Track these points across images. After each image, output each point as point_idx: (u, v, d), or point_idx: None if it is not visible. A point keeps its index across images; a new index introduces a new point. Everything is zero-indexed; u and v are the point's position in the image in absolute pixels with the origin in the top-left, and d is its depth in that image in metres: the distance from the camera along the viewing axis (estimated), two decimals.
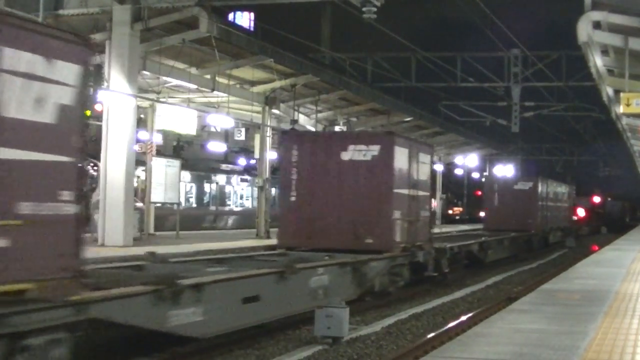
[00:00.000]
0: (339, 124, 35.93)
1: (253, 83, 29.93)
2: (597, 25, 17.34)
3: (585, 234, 60.77)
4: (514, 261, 33.95)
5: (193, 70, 26.65)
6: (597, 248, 36.72)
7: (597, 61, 19.69)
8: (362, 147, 19.07)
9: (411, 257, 20.03)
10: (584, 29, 17.02)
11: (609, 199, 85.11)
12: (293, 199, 19.51)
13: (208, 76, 27.16)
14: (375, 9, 18.52)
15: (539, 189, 41.25)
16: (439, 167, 54.58)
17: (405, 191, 19.85)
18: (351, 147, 19.14)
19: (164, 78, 26.41)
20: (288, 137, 20.72)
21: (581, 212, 79.78)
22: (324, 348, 13.19)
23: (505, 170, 65.09)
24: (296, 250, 18.82)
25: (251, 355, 12.83)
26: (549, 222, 43.89)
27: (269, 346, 13.41)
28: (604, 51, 19.48)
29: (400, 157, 19.62)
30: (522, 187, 40.58)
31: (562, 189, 51.06)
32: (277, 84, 29.49)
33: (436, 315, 17.60)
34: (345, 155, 19.13)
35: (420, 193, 21.08)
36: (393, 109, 38.66)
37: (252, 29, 27.45)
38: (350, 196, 19.08)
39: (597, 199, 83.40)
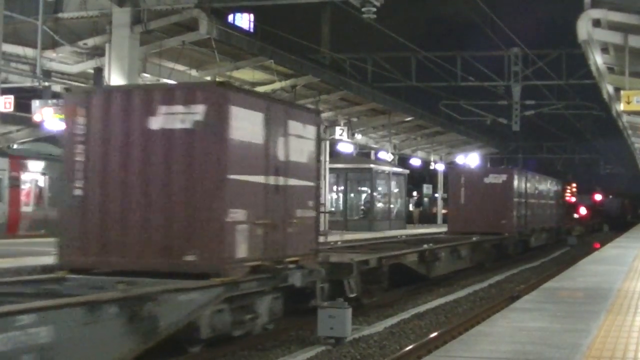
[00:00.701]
0: (339, 124, 35.94)
1: (253, 84, 29.93)
2: (596, 23, 17.36)
3: (580, 234, 54.97)
4: (478, 272, 27.50)
5: (193, 72, 26.67)
6: (598, 245, 36.77)
7: (597, 59, 19.69)
8: (179, 108, 12.46)
9: (276, 281, 13.35)
10: (583, 27, 17.03)
11: (610, 196, 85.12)
12: (78, 192, 12.84)
13: (208, 78, 27.17)
14: (374, 9, 18.52)
15: (515, 183, 34.69)
16: (440, 167, 54.64)
17: (256, 179, 12.96)
18: (163, 109, 12.53)
19: (164, 80, 26.42)
20: (70, 97, 13.36)
21: (583, 210, 79.83)
22: (327, 348, 13.20)
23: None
24: (86, 272, 12.60)
25: (254, 357, 12.84)
26: (530, 223, 37.61)
27: (272, 347, 13.42)
28: (604, 49, 19.49)
29: (245, 125, 12.66)
30: (493, 180, 33.90)
31: (548, 184, 45.45)
32: (278, 85, 29.50)
33: (439, 315, 17.60)
34: (155, 122, 12.52)
35: (295, 182, 14.19)
36: (393, 109, 38.68)
37: (251, 30, 27.44)
38: (161, 186, 12.49)
39: (598, 197, 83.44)
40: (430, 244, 24.30)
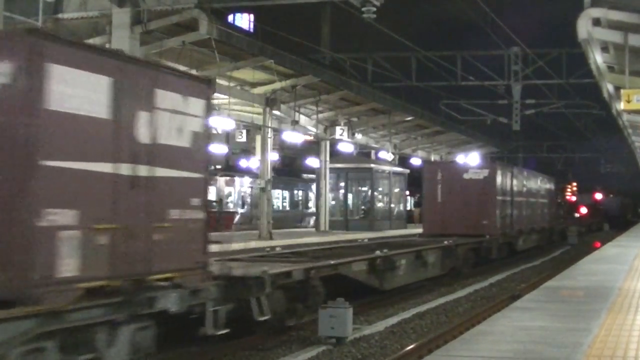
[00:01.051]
0: (339, 124, 35.92)
1: (253, 84, 29.93)
2: (596, 22, 17.35)
3: (577, 234, 50.92)
4: (446, 281, 24.21)
5: (193, 72, 26.65)
6: (599, 244, 36.73)
7: (597, 58, 19.68)
8: None
9: (135, 307, 9.92)
10: (583, 26, 17.02)
11: (611, 195, 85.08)
12: None
13: None
14: (374, 9, 18.52)
15: (499, 179, 31.73)
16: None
17: (97, 167, 9.44)
18: None
19: None
20: None
21: (583, 209, 79.85)
22: (328, 348, 13.21)
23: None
24: None
25: (255, 357, 12.85)
26: (517, 223, 34.26)
27: (274, 347, 13.43)
28: (604, 48, 19.47)
29: (76, 91, 9.15)
30: (474, 176, 30.93)
31: (539, 182, 41.93)
32: (278, 85, 29.49)
33: (439, 314, 17.61)
34: None
35: (169, 173, 10.72)
36: (394, 109, 38.64)
37: (251, 30, 27.44)
38: None
39: (598, 196, 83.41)
40: (385, 250, 20.22)
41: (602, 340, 9.00)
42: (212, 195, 38.33)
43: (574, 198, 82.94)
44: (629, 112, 23.46)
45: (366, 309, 17.55)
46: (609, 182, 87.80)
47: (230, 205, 43.97)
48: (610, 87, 23.55)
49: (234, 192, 45.12)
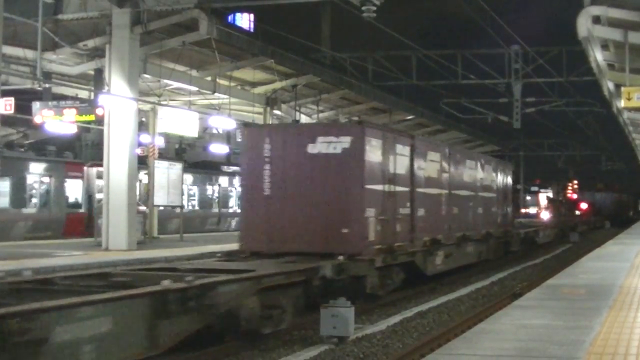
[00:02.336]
0: None
1: (254, 84, 29.95)
2: (596, 20, 17.38)
3: (548, 239, 44.30)
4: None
5: (194, 73, 26.67)
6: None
7: (598, 56, 19.71)
8: None
9: None
10: (583, 24, 17.05)
11: (612, 193, 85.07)
12: None
13: (209, 78, 27.18)
14: (374, 8, 18.53)
15: (374, 154, 18.09)
16: None
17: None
18: None
19: (165, 81, 26.44)
20: None
21: (584, 206, 79.84)
22: (330, 348, 13.21)
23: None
24: None
25: (258, 357, 12.85)
26: (427, 231, 21.33)
27: (275, 347, 13.43)
28: (604, 46, 19.51)
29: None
30: (326, 149, 17.62)
31: (481, 167, 27.96)
32: (278, 84, 29.52)
33: (441, 313, 17.60)
34: None
35: None
36: (394, 108, 38.67)
37: (252, 30, 27.45)
38: None
39: (599, 194, 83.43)
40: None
41: (603, 337, 9.00)
42: (76, 191, 33.10)
43: (575, 196, 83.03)
44: (630, 109, 23.49)
45: (368, 308, 17.55)
46: (610, 179, 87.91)
47: None
48: (610, 85, 23.59)
49: None
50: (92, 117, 22.24)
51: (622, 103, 20.19)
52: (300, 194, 17.74)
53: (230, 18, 26.14)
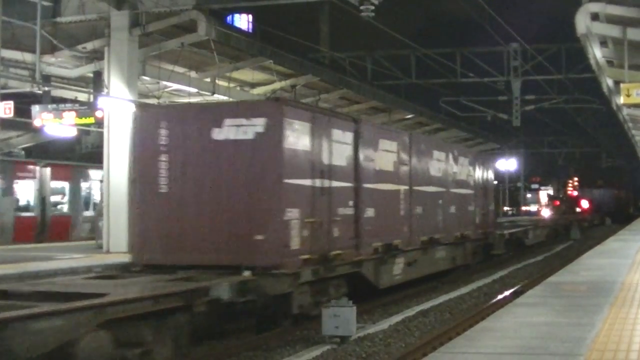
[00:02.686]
0: None
1: (253, 85, 29.95)
2: (595, 16, 17.39)
3: (539, 240, 40.64)
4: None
5: (193, 74, 26.66)
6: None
7: (596, 53, 19.72)
8: None
9: None
10: (582, 21, 17.06)
11: (615, 190, 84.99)
12: None
13: (208, 79, 27.16)
14: (373, 7, 18.52)
15: (298, 139, 14.65)
16: None
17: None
18: None
19: (164, 82, 26.41)
20: None
21: (585, 203, 79.82)
22: (332, 347, 13.22)
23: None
24: None
25: (260, 357, 12.85)
26: (379, 235, 18.03)
27: (277, 347, 13.43)
28: (603, 42, 19.51)
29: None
30: (237, 134, 14.30)
31: (453, 160, 24.56)
32: (277, 85, 29.51)
33: (443, 312, 17.61)
34: None
35: None
36: (394, 107, 38.68)
37: (250, 30, 27.44)
38: None
39: (598, 191, 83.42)
40: None
41: (605, 334, 9.00)
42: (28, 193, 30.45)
43: (575, 193, 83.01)
44: (629, 106, 23.54)
45: (370, 308, 17.55)
46: (610, 176, 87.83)
47: (66, 207, 32.38)
48: (609, 82, 23.60)
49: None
50: (91, 120, 22.23)
51: (621, 100, 20.19)
52: (204, 191, 14.25)
53: (228, 19, 26.15)
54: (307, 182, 14.60)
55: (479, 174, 27.57)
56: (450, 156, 24.30)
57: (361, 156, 17.01)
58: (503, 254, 30.37)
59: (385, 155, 18.64)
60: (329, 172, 15.46)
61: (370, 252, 17.34)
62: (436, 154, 22.83)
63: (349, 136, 16.54)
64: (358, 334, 14.11)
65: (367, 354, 12.95)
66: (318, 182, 15.04)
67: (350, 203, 16.40)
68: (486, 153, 34.08)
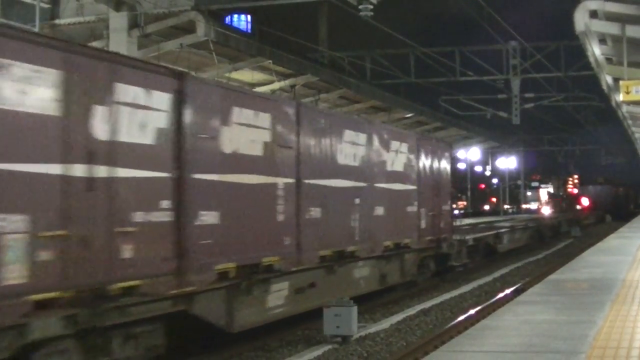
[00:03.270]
0: None
1: (253, 85, 29.92)
2: (593, 14, 17.36)
3: (517, 246, 35.58)
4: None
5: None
6: None
7: (595, 50, 19.69)
8: None
9: None
10: (580, 19, 17.04)
11: (619, 187, 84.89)
12: None
13: None
14: (371, 7, 18.54)
15: (66, 94, 9.31)
16: None
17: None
18: None
19: None
20: None
21: (585, 201, 79.79)
22: (334, 347, 13.22)
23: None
24: None
25: (261, 357, 12.86)
26: (250, 249, 12.99)
27: (279, 347, 13.44)
28: (602, 40, 19.48)
29: None
30: None
31: (380, 143, 18.84)
32: (277, 85, 29.48)
33: (444, 310, 17.62)
34: None
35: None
36: (394, 106, 38.66)
37: (249, 31, 27.45)
38: None
39: (597, 188, 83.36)
40: None
41: (607, 331, 9.00)
42: None
43: (575, 190, 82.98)
44: (629, 103, 23.49)
45: (371, 307, 17.55)
46: (610, 173, 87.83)
47: None
48: (609, 79, 23.56)
49: None
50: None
51: (620, 97, 20.17)
52: None
53: (227, 20, 26.16)
54: (47, 168, 9.07)
55: (427, 164, 21.54)
56: (376, 139, 18.41)
57: (188, 131, 11.53)
58: (467, 265, 25.45)
59: (245, 132, 13.05)
60: (110, 153, 10.05)
61: (210, 279, 11.82)
62: (349, 134, 16.92)
63: (162, 99, 11.09)
64: (359, 333, 14.11)
65: (369, 353, 12.95)
66: (79, 170, 9.53)
67: (165, 204, 10.98)
68: (438, 138, 27.12)
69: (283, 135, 14.28)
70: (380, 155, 18.52)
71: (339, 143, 16.46)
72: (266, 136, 13.68)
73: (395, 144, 19.37)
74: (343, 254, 16.29)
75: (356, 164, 17.15)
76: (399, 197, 19.32)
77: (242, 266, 12.52)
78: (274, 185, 13.87)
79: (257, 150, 13.37)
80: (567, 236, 46.90)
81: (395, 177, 19.17)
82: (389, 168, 18.81)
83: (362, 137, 17.55)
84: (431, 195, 21.68)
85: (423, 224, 20.86)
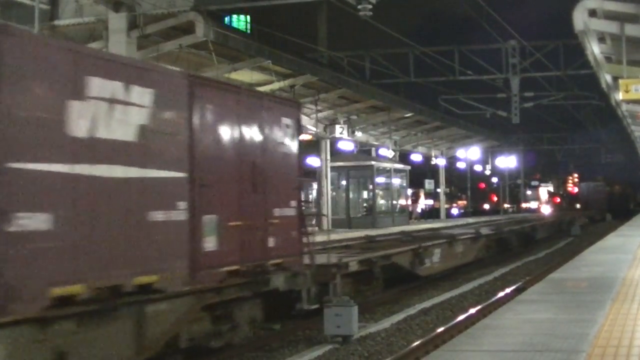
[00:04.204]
0: (339, 123, 35.94)
1: (252, 85, 29.93)
2: (592, 13, 17.38)
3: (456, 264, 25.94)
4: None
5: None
6: None
7: (595, 49, 19.71)
8: None
9: None
10: (580, 18, 17.07)
11: (617, 186, 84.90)
12: None
13: None
14: (370, 6, 18.54)
15: None
16: (442, 162, 54.61)
17: None
18: None
19: None
20: None
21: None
22: (335, 347, 13.21)
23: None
24: None
25: (262, 357, 12.86)
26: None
27: (280, 347, 13.44)
28: (601, 39, 19.50)
29: None
30: None
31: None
32: (276, 85, 29.48)
33: (445, 310, 17.61)
34: None
35: None
36: (393, 106, 38.66)
37: (248, 31, 27.46)
38: None
39: (596, 186, 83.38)
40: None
41: (607, 330, 9.01)
42: None
43: (575, 189, 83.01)
44: (628, 101, 23.50)
45: (371, 307, 17.56)
46: (610, 171, 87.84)
47: None
48: (608, 78, 23.58)
49: None
50: None
51: (620, 95, 20.18)
52: None
53: (226, 20, 26.17)
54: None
55: (228, 132, 12.15)
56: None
57: None
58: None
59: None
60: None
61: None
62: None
63: None
64: (360, 333, 14.11)
65: (370, 353, 12.95)
66: None
67: None
68: (261, 91, 19.39)
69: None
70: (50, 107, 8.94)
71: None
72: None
73: (109, 86, 9.61)
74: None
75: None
76: (123, 193, 9.77)
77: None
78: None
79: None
80: (568, 235, 46.85)
81: (110, 152, 9.57)
82: (80, 133, 9.13)
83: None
84: (241, 191, 12.34)
85: (208, 243, 11.40)
